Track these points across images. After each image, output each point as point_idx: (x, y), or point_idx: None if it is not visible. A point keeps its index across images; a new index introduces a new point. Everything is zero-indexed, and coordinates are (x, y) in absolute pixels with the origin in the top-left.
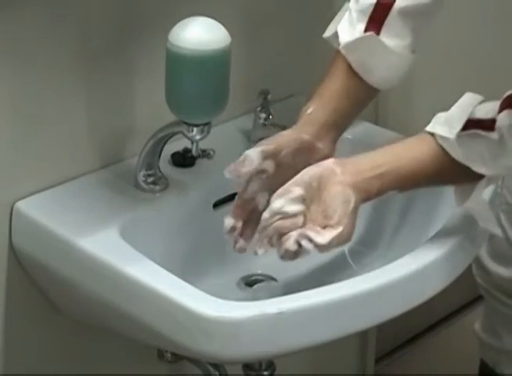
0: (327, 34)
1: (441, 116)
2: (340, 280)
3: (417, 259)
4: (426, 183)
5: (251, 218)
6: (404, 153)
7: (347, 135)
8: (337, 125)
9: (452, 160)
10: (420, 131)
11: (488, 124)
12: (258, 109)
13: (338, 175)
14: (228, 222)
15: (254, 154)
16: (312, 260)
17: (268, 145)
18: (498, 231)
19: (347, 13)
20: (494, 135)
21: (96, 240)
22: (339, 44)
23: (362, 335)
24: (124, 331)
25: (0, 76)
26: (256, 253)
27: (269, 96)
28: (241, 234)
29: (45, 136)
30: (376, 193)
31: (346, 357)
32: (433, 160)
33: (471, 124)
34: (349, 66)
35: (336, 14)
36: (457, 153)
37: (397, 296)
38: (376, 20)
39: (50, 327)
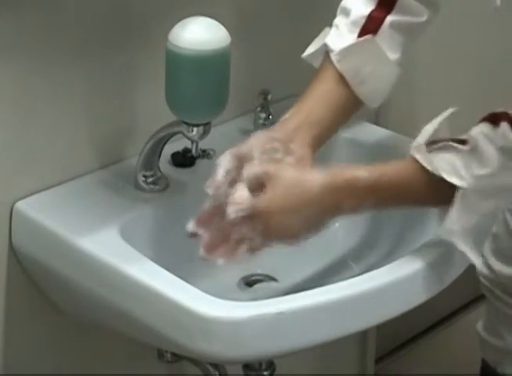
0: (307, 53)
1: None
2: (340, 280)
3: (417, 259)
4: (402, 199)
5: (218, 226)
6: (384, 168)
7: (348, 135)
8: (312, 129)
9: (427, 173)
10: (420, 131)
11: (461, 140)
12: (258, 109)
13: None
14: (190, 226)
15: (224, 159)
16: (312, 260)
17: (238, 148)
18: (476, 257)
19: (333, 29)
20: (466, 147)
21: (96, 240)
22: (326, 56)
23: (362, 335)
24: (124, 331)
25: (0, 76)
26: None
27: (269, 96)
28: (206, 243)
29: (44, 136)
30: (350, 202)
31: (346, 357)
32: (409, 174)
33: (445, 139)
34: (336, 77)
35: (335, 15)
36: (428, 163)
37: (397, 296)
38: (368, 32)
39: (50, 326)
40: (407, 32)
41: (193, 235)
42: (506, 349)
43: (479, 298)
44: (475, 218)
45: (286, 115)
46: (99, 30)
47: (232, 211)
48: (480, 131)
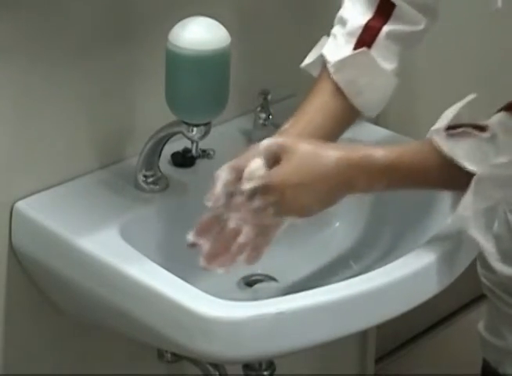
0: (306, 62)
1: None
2: (340, 280)
3: (417, 259)
4: (416, 181)
5: (218, 235)
6: (400, 149)
7: (348, 135)
8: (312, 139)
9: (443, 157)
10: (420, 131)
11: (481, 126)
12: (258, 109)
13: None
14: (190, 237)
15: (222, 172)
16: (312, 260)
17: (236, 160)
18: (488, 243)
19: (330, 39)
20: (485, 134)
21: (96, 240)
22: (323, 66)
23: (362, 335)
24: (123, 331)
25: (0, 76)
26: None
27: (269, 96)
28: (206, 253)
29: (44, 136)
30: (363, 180)
31: (346, 357)
32: (426, 156)
33: (465, 124)
34: (333, 87)
35: (335, 15)
36: (446, 147)
37: (397, 296)
38: (365, 42)
39: (50, 326)
40: (404, 41)
41: (193, 245)
42: (508, 349)
43: (480, 298)
44: (487, 206)
45: (285, 125)
46: (99, 30)
47: (246, 183)
48: (499, 120)
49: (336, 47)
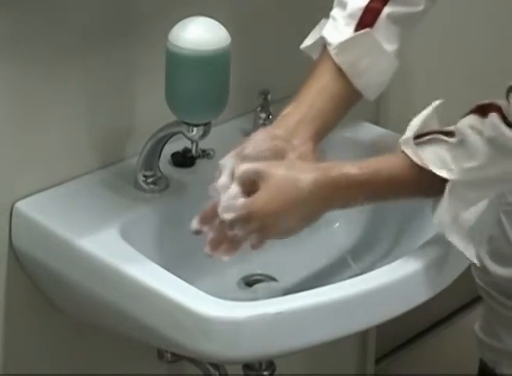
0: (305, 44)
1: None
2: (340, 280)
3: (417, 259)
4: (394, 193)
5: (223, 224)
6: (374, 163)
7: (348, 135)
8: (314, 123)
9: (416, 166)
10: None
11: (449, 132)
12: (258, 109)
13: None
14: (193, 224)
15: (227, 160)
16: (312, 260)
17: (241, 148)
18: (466, 248)
19: (329, 21)
20: (454, 139)
21: (96, 240)
22: (324, 49)
23: (362, 335)
24: (123, 331)
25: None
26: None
27: (269, 96)
28: (211, 240)
29: (44, 136)
30: (341, 198)
31: (346, 357)
32: (399, 168)
33: (432, 131)
34: (335, 70)
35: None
36: (417, 156)
37: (397, 296)
38: (366, 24)
39: (50, 327)
40: (404, 22)
41: (198, 232)
42: (504, 350)
43: (477, 300)
44: (465, 209)
45: (287, 110)
46: (98, 29)
47: (226, 214)
48: (467, 123)
49: (336, 29)
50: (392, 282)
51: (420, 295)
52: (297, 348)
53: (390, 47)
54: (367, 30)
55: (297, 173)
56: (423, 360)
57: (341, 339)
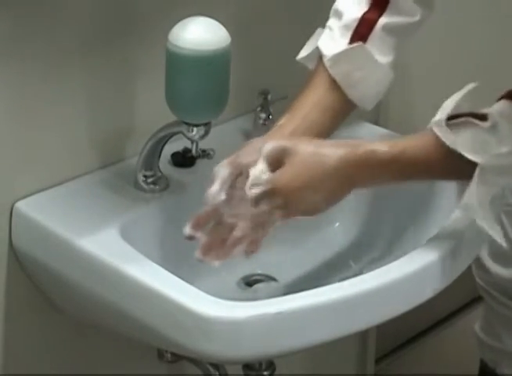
0: (301, 55)
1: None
2: (340, 280)
3: (417, 259)
4: (421, 174)
5: (215, 229)
6: (403, 142)
7: (348, 135)
8: (309, 135)
9: (445, 148)
10: (420, 131)
11: (482, 115)
12: (258, 109)
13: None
14: (186, 230)
15: (221, 168)
16: (313, 260)
17: (235, 156)
18: (495, 231)
19: (326, 31)
20: (486, 124)
21: (96, 240)
22: (319, 60)
23: (362, 335)
24: (124, 331)
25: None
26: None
27: (269, 96)
28: (203, 245)
29: (44, 136)
30: (367, 176)
31: (346, 357)
32: (428, 148)
33: (465, 113)
34: (329, 81)
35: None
36: (448, 139)
37: (397, 296)
38: (361, 35)
39: (50, 327)
40: (400, 33)
41: (191, 238)
42: (504, 350)
43: (477, 299)
44: (492, 194)
45: (282, 121)
46: (98, 29)
47: (252, 189)
48: (500, 109)
49: (332, 40)
50: (392, 282)
51: (420, 295)
52: (297, 348)
53: (384, 59)
54: (360, 43)
55: (323, 150)
56: (424, 360)
57: (341, 339)
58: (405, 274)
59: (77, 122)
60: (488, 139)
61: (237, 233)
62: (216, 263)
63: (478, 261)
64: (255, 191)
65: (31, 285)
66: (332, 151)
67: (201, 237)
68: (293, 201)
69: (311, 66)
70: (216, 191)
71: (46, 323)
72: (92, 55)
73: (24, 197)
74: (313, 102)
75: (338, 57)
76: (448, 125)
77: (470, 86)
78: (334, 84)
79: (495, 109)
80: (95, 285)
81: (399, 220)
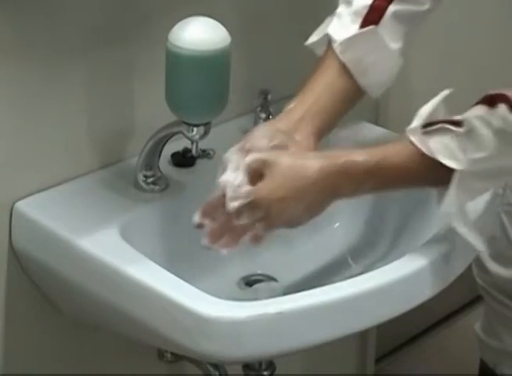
0: (311, 40)
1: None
2: (340, 280)
3: (417, 259)
4: (401, 181)
5: (222, 216)
6: (381, 151)
7: (348, 134)
8: (317, 118)
9: (423, 155)
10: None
11: (457, 121)
12: (258, 109)
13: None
14: (195, 218)
15: (232, 155)
16: (312, 260)
17: (244, 142)
18: (474, 238)
19: (335, 19)
20: (462, 130)
21: (96, 240)
22: (329, 46)
23: (362, 335)
24: (123, 331)
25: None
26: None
27: (269, 96)
28: (210, 232)
29: (44, 136)
30: (348, 186)
31: (346, 357)
32: (406, 156)
33: (440, 121)
34: (339, 67)
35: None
36: (424, 146)
37: (397, 296)
38: (371, 22)
39: (50, 327)
40: (409, 21)
41: (200, 226)
42: (504, 350)
43: (478, 299)
44: (471, 200)
45: (291, 105)
46: (98, 29)
47: (231, 202)
48: (476, 114)
49: (341, 26)
50: (392, 282)
51: (420, 295)
52: (297, 348)
53: (394, 45)
54: (372, 27)
55: (304, 161)
56: (424, 360)
57: (341, 339)
58: (405, 274)
59: (78, 122)
60: (464, 145)
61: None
62: (224, 251)
63: (478, 261)
64: (235, 204)
65: (31, 285)
66: (312, 163)
67: (209, 225)
68: (275, 213)
69: (319, 52)
70: (229, 177)
71: (46, 323)
72: (93, 55)
73: (24, 197)
74: (323, 87)
75: (349, 42)
76: (424, 133)
77: (445, 92)
78: (344, 69)
79: (472, 113)
80: (95, 285)
81: (399, 220)
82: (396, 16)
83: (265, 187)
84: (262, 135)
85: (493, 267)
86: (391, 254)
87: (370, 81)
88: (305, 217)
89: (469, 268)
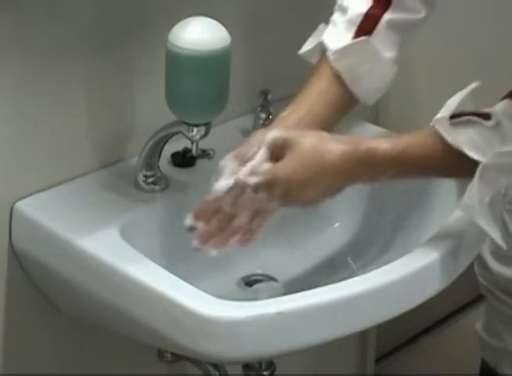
0: (304, 49)
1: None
2: (340, 280)
3: (417, 259)
4: (422, 171)
5: (215, 218)
6: (404, 140)
7: (347, 135)
8: (311, 127)
9: (447, 146)
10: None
11: (485, 114)
12: (258, 109)
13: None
14: (188, 221)
15: (228, 161)
16: (313, 260)
17: (240, 148)
18: (494, 231)
19: (329, 26)
20: (489, 123)
21: (96, 240)
22: (323, 54)
23: (362, 335)
24: (123, 331)
25: (0, 76)
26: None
27: (269, 96)
28: (201, 234)
29: (45, 136)
30: (368, 173)
31: (346, 357)
32: (430, 146)
33: (468, 112)
34: (333, 75)
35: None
36: (450, 137)
37: (397, 296)
38: (365, 31)
39: (50, 327)
40: (404, 30)
41: (192, 229)
42: (506, 350)
43: (479, 298)
44: (492, 193)
45: (285, 112)
46: (98, 29)
47: (251, 178)
48: (503, 108)
49: (336, 34)
50: (392, 282)
51: (420, 295)
52: (297, 348)
53: (388, 54)
54: (365, 37)
55: (326, 144)
56: (424, 360)
57: (341, 339)
58: (405, 274)
59: (78, 122)
60: (491, 138)
61: (237, 222)
62: (214, 252)
63: (480, 259)
64: (254, 180)
65: (31, 285)
66: (334, 146)
67: (200, 227)
68: (292, 193)
69: (313, 60)
70: (224, 185)
71: (46, 323)
72: (93, 55)
73: (24, 197)
74: (317, 95)
75: (343, 51)
76: (450, 124)
77: (474, 85)
78: (338, 78)
79: (499, 108)
80: (95, 285)
81: (399, 220)
82: (390, 24)
83: (285, 166)
84: (257, 143)
85: (495, 266)
86: (391, 254)
87: (363, 89)
88: (321, 198)
89: (469, 267)
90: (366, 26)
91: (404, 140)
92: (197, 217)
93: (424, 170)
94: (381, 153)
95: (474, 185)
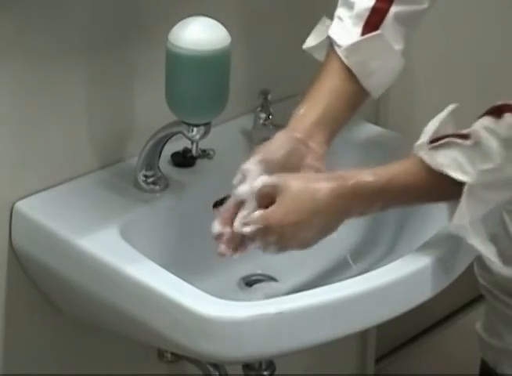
0: (309, 45)
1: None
2: (340, 280)
3: (417, 260)
4: (411, 199)
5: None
6: (389, 170)
7: (347, 134)
8: (329, 125)
9: (431, 171)
10: (420, 131)
11: (464, 134)
12: (258, 109)
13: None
14: (215, 227)
15: (252, 165)
16: (312, 260)
17: (264, 152)
18: (488, 250)
19: (335, 22)
20: (469, 142)
21: (96, 240)
22: (331, 49)
23: (362, 335)
24: (123, 331)
25: (0, 76)
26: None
27: (269, 96)
28: (229, 240)
29: (45, 136)
30: (358, 206)
31: (346, 357)
32: (415, 173)
33: (447, 135)
34: (344, 71)
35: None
36: (432, 161)
37: (397, 296)
38: (372, 25)
39: (50, 327)
40: (409, 21)
41: (220, 235)
42: (505, 349)
43: (478, 299)
44: (483, 212)
45: (301, 110)
46: (98, 29)
47: (245, 227)
48: (482, 125)
49: (344, 30)
50: (392, 282)
51: (420, 295)
52: (297, 348)
53: (397, 46)
54: (378, 32)
55: (314, 184)
56: (424, 360)
57: (341, 339)
58: (405, 274)
59: (78, 122)
60: (472, 157)
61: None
62: (236, 255)
63: (480, 259)
64: (248, 229)
65: (31, 285)
66: (322, 185)
67: (227, 233)
68: (288, 237)
69: (317, 55)
70: (248, 190)
71: (46, 323)
72: (93, 55)
73: (24, 197)
74: (329, 91)
75: (354, 47)
76: (431, 148)
77: (451, 107)
78: (349, 73)
79: (478, 126)
80: (95, 285)
81: (399, 220)
82: (397, 17)
83: (276, 212)
84: (280, 146)
85: (495, 266)
86: (391, 254)
87: (374, 82)
88: (317, 238)
89: (469, 267)
90: (374, 19)
91: (389, 171)
92: (223, 222)
93: (414, 197)
94: (368, 186)
95: (463, 205)
